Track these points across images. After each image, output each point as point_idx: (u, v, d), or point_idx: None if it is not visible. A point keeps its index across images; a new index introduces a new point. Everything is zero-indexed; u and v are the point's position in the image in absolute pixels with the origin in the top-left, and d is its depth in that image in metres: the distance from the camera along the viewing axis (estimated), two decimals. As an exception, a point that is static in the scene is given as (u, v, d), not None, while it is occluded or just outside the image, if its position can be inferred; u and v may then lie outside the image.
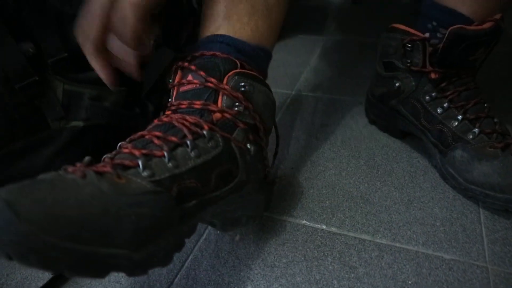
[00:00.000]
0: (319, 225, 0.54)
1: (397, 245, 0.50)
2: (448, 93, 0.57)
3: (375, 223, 0.54)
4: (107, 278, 0.50)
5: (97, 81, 0.58)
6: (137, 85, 0.66)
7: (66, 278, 0.51)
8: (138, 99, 0.66)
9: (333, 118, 0.77)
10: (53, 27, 0.54)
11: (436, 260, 0.48)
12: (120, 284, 0.49)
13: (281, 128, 0.55)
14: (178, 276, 0.49)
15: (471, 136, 0.55)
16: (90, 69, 0.58)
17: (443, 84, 0.58)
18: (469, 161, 0.53)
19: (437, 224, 0.52)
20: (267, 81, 0.50)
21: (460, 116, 0.56)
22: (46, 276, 0.51)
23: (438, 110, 0.58)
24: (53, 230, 0.25)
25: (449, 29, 0.52)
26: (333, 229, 0.53)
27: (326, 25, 1.24)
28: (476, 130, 0.54)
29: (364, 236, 0.52)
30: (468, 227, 0.52)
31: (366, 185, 0.60)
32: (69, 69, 0.56)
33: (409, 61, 0.59)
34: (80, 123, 0.58)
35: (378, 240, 0.51)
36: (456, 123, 0.56)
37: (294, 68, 0.99)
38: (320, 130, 0.74)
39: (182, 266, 0.50)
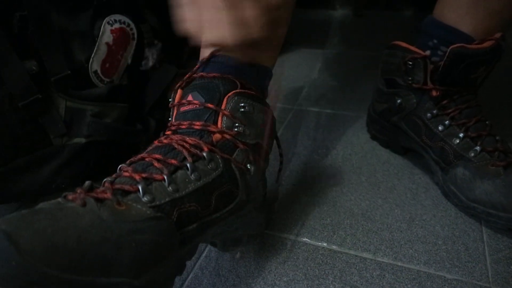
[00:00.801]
0: (320, 243, 0.54)
1: (399, 264, 0.50)
2: (449, 110, 0.57)
3: (377, 241, 0.53)
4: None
5: (100, 97, 0.59)
6: (139, 101, 0.66)
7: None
8: (140, 115, 0.67)
9: (335, 133, 0.77)
10: (57, 45, 0.55)
11: (438, 279, 0.47)
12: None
13: (282, 143, 0.55)
14: (179, 294, 0.49)
15: (472, 154, 0.54)
16: (93, 86, 0.59)
17: (444, 102, 0.58)
18: (471, 179, 0.53)
19: (439, 242, 0.52)
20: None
21: (462, 134, 0.56)
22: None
23: (439, 128, 0.58)
24: (52, 261, 0.25)
25: (450, 48, 0.52)
26: (334, 247, 0.53)
27: (328, 39, 1.24)
28: (478, 148, 0.54)
29: (365, 255, 0.52)
30: (471, 246, 0.51)
31: (367, 202, 0.60)
32: (71, 86, 0.57)
33: (410, 78, 0.59)
34: (82, 140, 0.58)
35: (379, 259, 0.51)
36: (458, 141, 0.56)
37: (296, 82, 0.99)
38: (321, 146, 0.74)
39: (183, 284, 0.50)
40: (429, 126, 0.59)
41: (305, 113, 0.85)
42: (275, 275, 0.50)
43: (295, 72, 1.04)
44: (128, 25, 0.62)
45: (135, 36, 0.63)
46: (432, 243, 0.52)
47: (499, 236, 0.52)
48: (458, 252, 0.51)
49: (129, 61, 0.65)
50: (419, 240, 0.53)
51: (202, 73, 0.45)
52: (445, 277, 0.48)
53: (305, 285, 0.48)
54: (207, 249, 0.55)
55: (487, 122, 0.57)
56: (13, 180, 0.55)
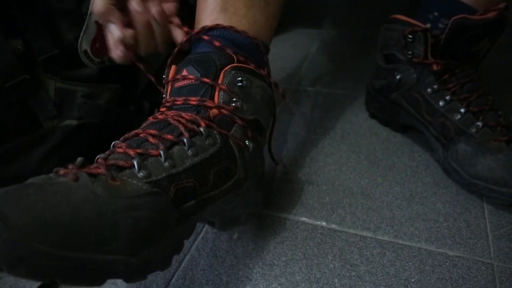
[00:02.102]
0: (319, 222, 0.53)
1: (399, 241, 0.49)
2: (451, 85, 0.56)
3: (377, 219, 0.52)
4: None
5: (90, 78, 0.57)
6: (132, 82, 0.64)
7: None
8: (133, 97, 0.65)
9: (333, 112, 0.76)
10: (43, 23, 0.52)
11: (439, 257, 0.47)
12: (116, 285, 0.48)
13: (280, 123, 0.54)
14: (175, 276, 0.48)
15: (474, 130, 0.53)
16: (83, 66, 0.57)
17: (446, 76, 0.56)
18: (473, 155, 0.52)
19: (440, 219, 0.51)
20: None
21: (463, 109, 0.55)
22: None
23: (440, 103, 0.57)
24: (44, 237, 0.24)
25: (451, 19, 0.51)
26: (334, 226, 0.52)
27: (325, 18, 1.22)
28: (480, 123, 0.53)
29: (365, 233, 0.51)
30: (472, 222, 0.51)
31: (366, 180, 0.59)
32: (61, 67, 0.55)
33: (410, 52, 0.58)
34: (73, 122, 0.57)
35: (379, 237, 0.50)
36: (459, 116, 0.55)
37: (293, 62, 0.97)
38: (319, 125, 0.72)
39: (179, 265, 0.49)
40: (430, 101, 0.58)
41: (303, 92, 0.84)
42: (273, 255, 0.49)
43: (292, 52, 1.03)
44: (119, 3, 0.59)
45: (126, 14, 0.61)
46: (433, 220, 0.51)
47: (501, 212, 0.52)
48: (460, 229, 0.50)
49: (121, 41, 0.62)
50: (419, 217, 0.52)
51: (197, 45, 0.43)
52: (446, 254, 0.47)
53: (304, 265, 0.48)
54: (204, 230, 0.54)
55: (489, 97, 0.56)
56: (2, 165, 0.54)
